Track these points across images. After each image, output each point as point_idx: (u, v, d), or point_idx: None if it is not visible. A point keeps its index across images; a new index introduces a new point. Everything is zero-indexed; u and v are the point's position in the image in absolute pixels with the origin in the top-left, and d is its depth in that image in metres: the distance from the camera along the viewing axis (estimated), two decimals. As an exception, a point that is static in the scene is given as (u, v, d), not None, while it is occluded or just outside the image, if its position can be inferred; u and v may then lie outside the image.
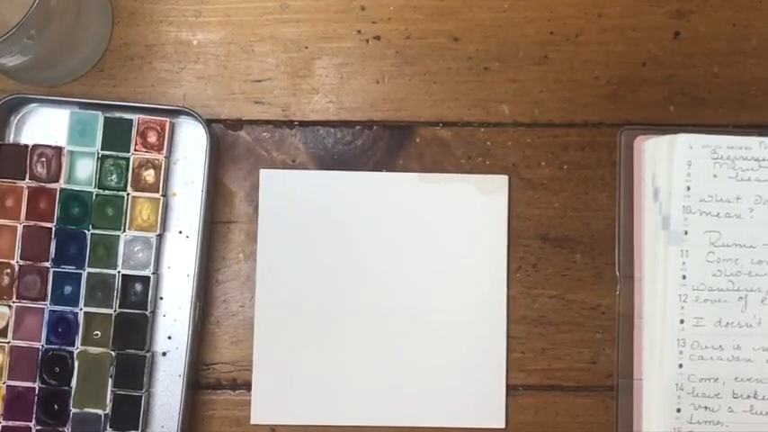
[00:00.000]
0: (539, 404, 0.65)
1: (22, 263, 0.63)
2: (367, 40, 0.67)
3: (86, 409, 0.63)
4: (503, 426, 0.65)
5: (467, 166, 0.67)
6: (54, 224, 0.64)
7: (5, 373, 0.63)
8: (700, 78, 0.67)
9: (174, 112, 0.65)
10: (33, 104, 0.65)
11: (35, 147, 0.64)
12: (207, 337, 0.66)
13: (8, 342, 0.63)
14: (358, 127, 0.67)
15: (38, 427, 0.63)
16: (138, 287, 0.64)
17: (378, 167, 0.67)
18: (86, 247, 0.64)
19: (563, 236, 0.66)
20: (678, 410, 0.63)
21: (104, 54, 0.67)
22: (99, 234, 0.64)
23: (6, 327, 0.63)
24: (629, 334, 0.65)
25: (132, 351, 0.63)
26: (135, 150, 0.64)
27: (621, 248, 0.65)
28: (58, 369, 0.63)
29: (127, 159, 0.64)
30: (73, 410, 0.63)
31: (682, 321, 0.63)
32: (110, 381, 0.63)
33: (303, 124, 0.67)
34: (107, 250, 0.64)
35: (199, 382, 0.65)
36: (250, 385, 0.65)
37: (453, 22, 0.67)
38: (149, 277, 0.64)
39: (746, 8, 0.68)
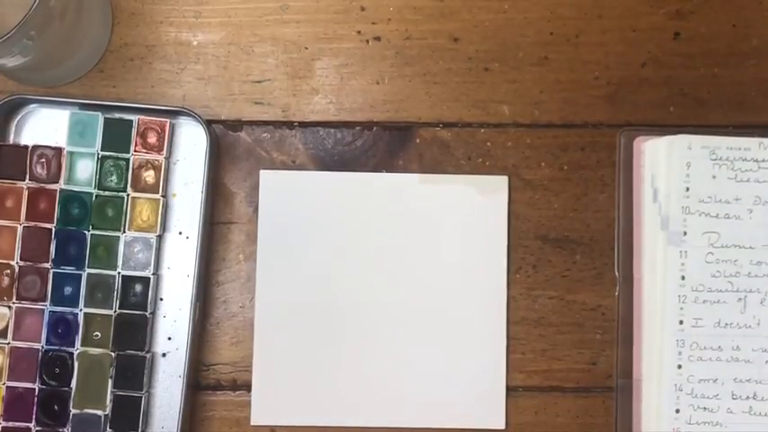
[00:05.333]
0: (539, 405, 0.65)
1: (21, 263, 0.63)
2: (367, 41, 0.67)
3: (86, 410, 0.63)
4: (503, 426, 0.65)
5: (467, 166, 0.67)
6: (54, 225, 0.64)
7: (5, 374, 0.63)
8: (699, 79, 0.67)
9: (174, 113, 0.65)
10: (33, 105, 0.65)
11: (35, 147, 0.64)
12: (207, 337, 0.66)
13: (8, 343, 0.63)
14: (358, 128, 0.67)
15: (38, 428, 0.63)
16: (138, 288, 0.64)
17: (378, 168, 0.67)
18: (86, 247, 0.63)
19: (563, 237, 0.66)
20: (677, 411, 0.63)
21: (104, 54, 0.67)
22: (99, 235, 0.64)
23: (6, 328, 0.63)
24: (629, 335, 0.65)
25: (132, 352, 0.63)
26: (135, 151, 0.64)
27: (621, 249, 0.65)
28: (57, 370, 0.63)
29: (127, 160, 0.64)
30: (73, 411, 0.63)
31: (681, 322, 0.63)
32: (110, 381, 0.63)
33: (303, 125, 0.67)
34: (107, 251, 0.64)
35: (199, 382, 0.65)
36: (250, 386, 0.65)
37: (453, 23, 0.67)
38: (149, 278, 0.64)
39: (746, 8, 0.68)
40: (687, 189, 0.64)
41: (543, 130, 0.67)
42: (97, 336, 0.63)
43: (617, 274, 0.66)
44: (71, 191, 0.64)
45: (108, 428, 0.63)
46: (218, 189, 0.66)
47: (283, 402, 0.65)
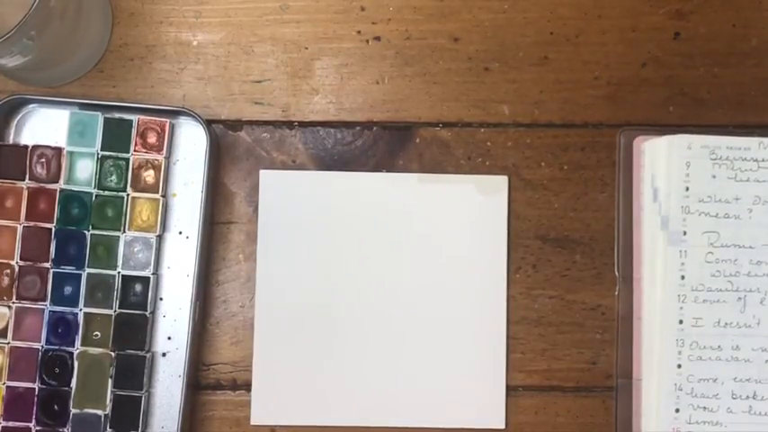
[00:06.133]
0: (539, 405, 0.65)
1: (21, 263, 0.63)
2: (367, 41, 0.67)
3: (86, 410, 0.63)
4: (503, 426, 0.65)
5: (467, 166, 0.67)
6: (54, 225, 0.64)
7: (5, 373, 0.63)
8: (699, 79, 0.67)
9: (174, 113, 0.65)
10: (33, 105, 0.65)
11: (35, 147, 0.64)
12: (207, 337, 0.66)
13: (8, 343, 0.63)
14: (358, 128, 0.67)
15: (38, 428, 0.63)
16: (138, 288, 0.64)
17: (378, 168, 0.67)
18: (86, 247, 0.64)
19: (563, 236, 0.66)
20: (677, 411, 0.63)
21: (104, 54, 0.67)
22: (99, 234, 0.64)
23: (6, 327, 0.63)
24: (629, 334, 0.65)
25: (132, 351, 0.63)
26: (135, 151, 0.64)
27: (621, 249, 0.65)
28: (57, 370, 0.63)
29: (127, 160, 0.64)
30: (73, 411, 0.63)
31: (681, 322, 0.63)
32: (110, 381, 0.63)
33: (303, 125, 0.67)
34: (107, 251, 0.64)
35: (199, 382, 0.65)
36: (250, 386, 0.65)
37: (453, 23, 0.67)
38: (149, 278, 0.64)
39: (746, 8, 0.68)
40: (687, 189, 0.64)
41: (543, 129, 0.67)
42: (97, 335, 0.63)
43: (617, 273, 0.66)
44: (71, 191, 0.64)
45: (108, 428, 0.63)
46: (218, 189, 0.66)
47: (283, 402, 0.65)
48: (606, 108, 0.67)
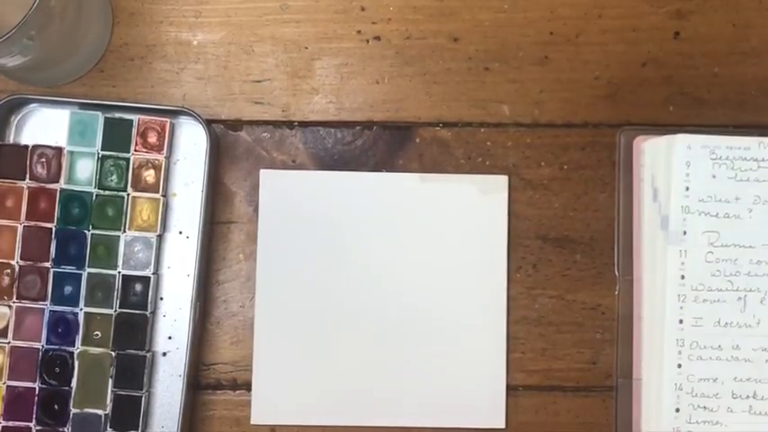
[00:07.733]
0: (539, 404, 0.65)
1: (22, 263, 0.63)
2: (367, 41, 0.67)
3: (86, 410, 0.63)
4: (503, 426, 0.65)
5: (467, 166, 0.67)
6: (54, 224, 0.64)
7: (6, 373, 0.63)
8: (699, 79, 0.67)
9: (174, 113, 0.65)
10: (33, 104, 0.65)
11: (35, 147, 0.64)
12: (207, 337, 0.66)
13: (8, 342, 0.63)
14: (358, 127, 0.67)
15: (38, 428, 0.63)
16: (139, 287, 0.64)
17: (378, 168, 0.67)
18: (86, 247, 0.64)
19: (563, 236, 0.66)
20: (677, 410, 0.63)
21: (104, 54, 0.67)
22: (99, 234, 0.64)
23: (6, 327, 0.63)
24: (629, 334, 0.65)
25: (132, 351, 0.63)
26: (135, 151, 0.64)
27: (621, 248, 0.65)
28: (58, 369, 0.63)
29: (127, 160, 0.64)
30: (73, 411, 0.63)
31: (681, 321, 0.63)
32: (110, 381, 0.63)
33: (303, 124, 0.67)
34: (107, 250, 0.64)
35: (199, 382, 0.65)
36: (250, 385, 0.65)
37: (453, 23, 0.67)
38: (149, 277, 0.64)
39: (746, 8, 0.68)
40: (687, 188, 0.64)
41: (543, 129, 0.67)
42: (97, 335, 0.63)
43: (617, 273, 0.66)
44: (71, 190, 0.64)
45: (108, 428, 0.63)
46: (218, 189, 0.66)
47: (283, 402, 0.65)
48: (606, 108, 0.67)
